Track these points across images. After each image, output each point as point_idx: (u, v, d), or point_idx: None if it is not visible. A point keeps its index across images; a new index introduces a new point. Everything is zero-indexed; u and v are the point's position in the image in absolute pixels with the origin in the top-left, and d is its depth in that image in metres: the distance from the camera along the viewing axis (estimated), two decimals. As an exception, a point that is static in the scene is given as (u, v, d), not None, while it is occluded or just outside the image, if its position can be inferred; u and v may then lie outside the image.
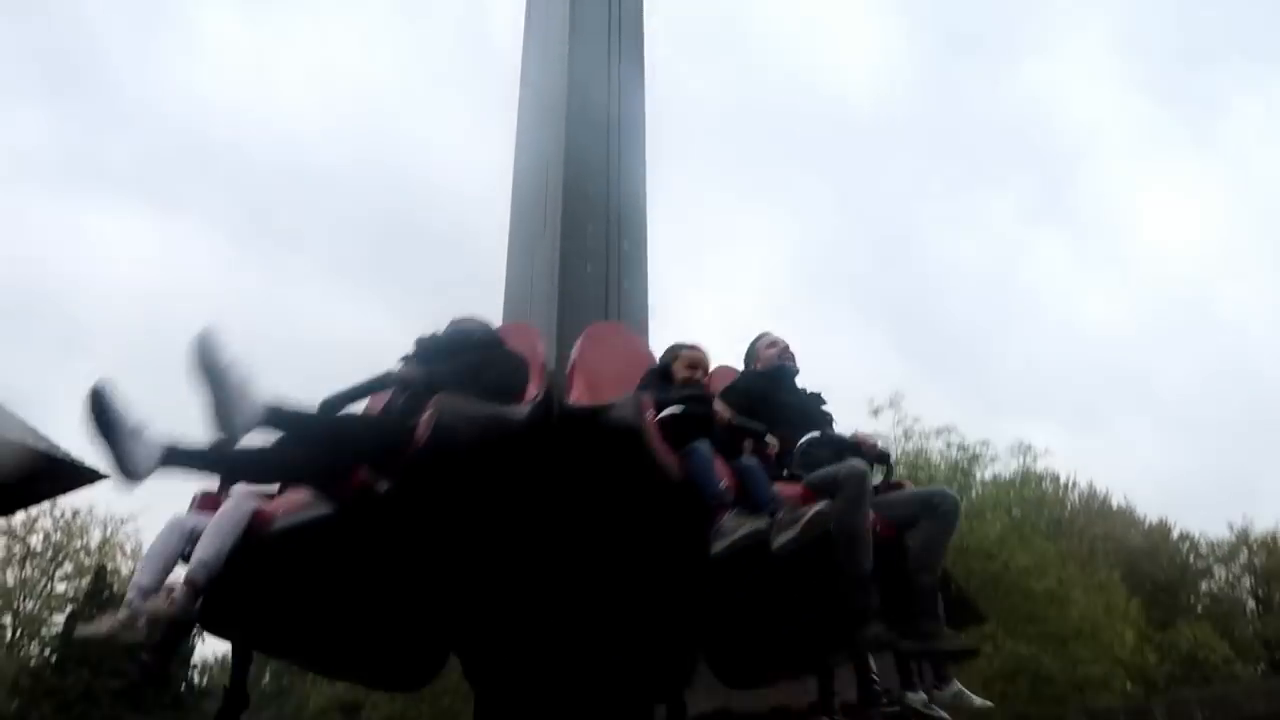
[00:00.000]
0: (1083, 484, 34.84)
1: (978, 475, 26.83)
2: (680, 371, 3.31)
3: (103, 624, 2.68)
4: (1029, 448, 26.39)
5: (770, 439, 3.22)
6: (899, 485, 3.26)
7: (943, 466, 25.32)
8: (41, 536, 30.88)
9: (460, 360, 3.00)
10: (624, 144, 3.46)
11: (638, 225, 3.35)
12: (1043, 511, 29.17)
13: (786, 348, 3.61)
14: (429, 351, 3.14)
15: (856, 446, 3.45)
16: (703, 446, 2.80)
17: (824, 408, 3.69)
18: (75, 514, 31.42)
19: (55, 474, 12.45)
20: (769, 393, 3.38)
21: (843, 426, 3.60)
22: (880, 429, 26.71)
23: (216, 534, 2.68)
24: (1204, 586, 35.27)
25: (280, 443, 2.62)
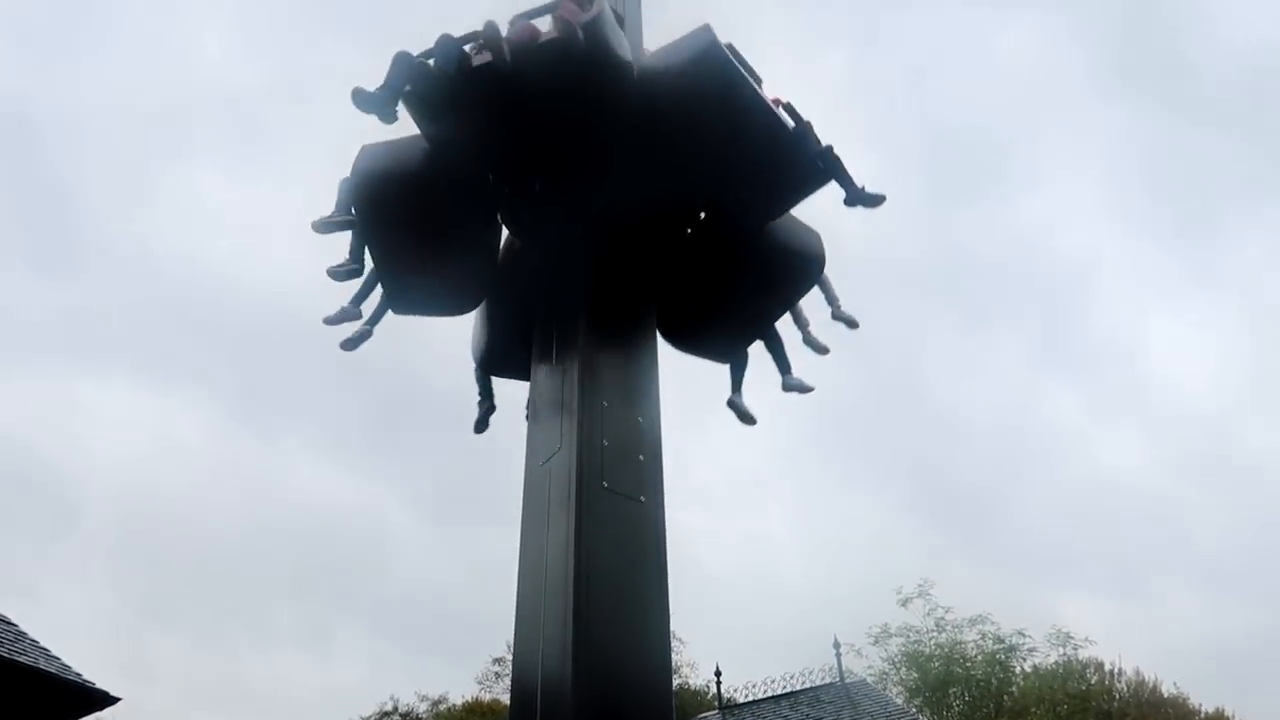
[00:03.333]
0: (1129, 670, 33.20)
1: (1017, 668, 25.73)
2: None
3: None
4: (1069, 637, 25.40)
5: None
6: None
7: (980, 659, 24.33)
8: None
9: None
10: None
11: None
12: (1089, 705, 27.73)
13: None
14: None
15: None
16: None
17: None
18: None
19: (66, 698, 12.21)
20: None
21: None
22: (911, 621, 25.83)
23: None
24: (1274, 783, 32.83)
25: None
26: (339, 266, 3.87)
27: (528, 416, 3.62)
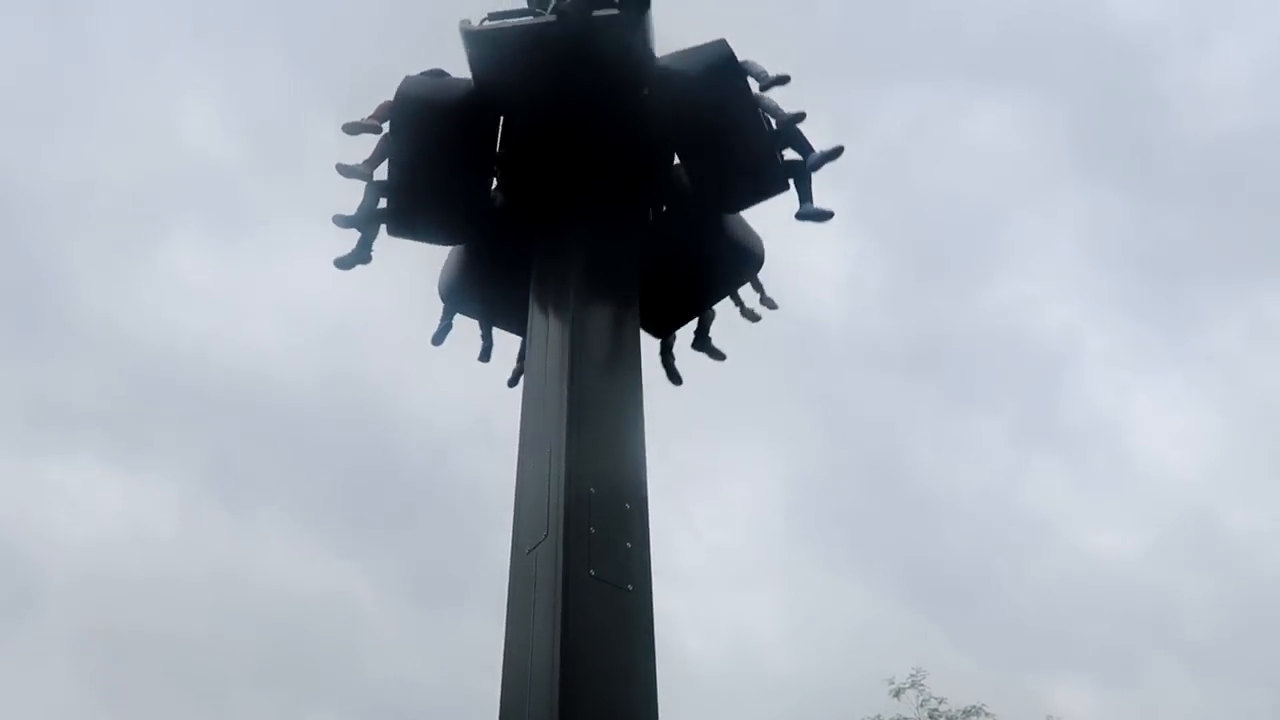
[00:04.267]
0: (1128, 766, 32.44)
1: (1014, 761, 25.13)
2: None
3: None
4: (1064, 728, 24.86)
5: None
6: None
7: (975, 752, 23.75)
8: None
9: None
10: None
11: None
12: (1089, 800, 26.98)
13: None
14: None
15: None
16: None
17: None
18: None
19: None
20: None
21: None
22: (904, 712, 25.31)
23: None
24: None
25: None
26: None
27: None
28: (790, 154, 4.30)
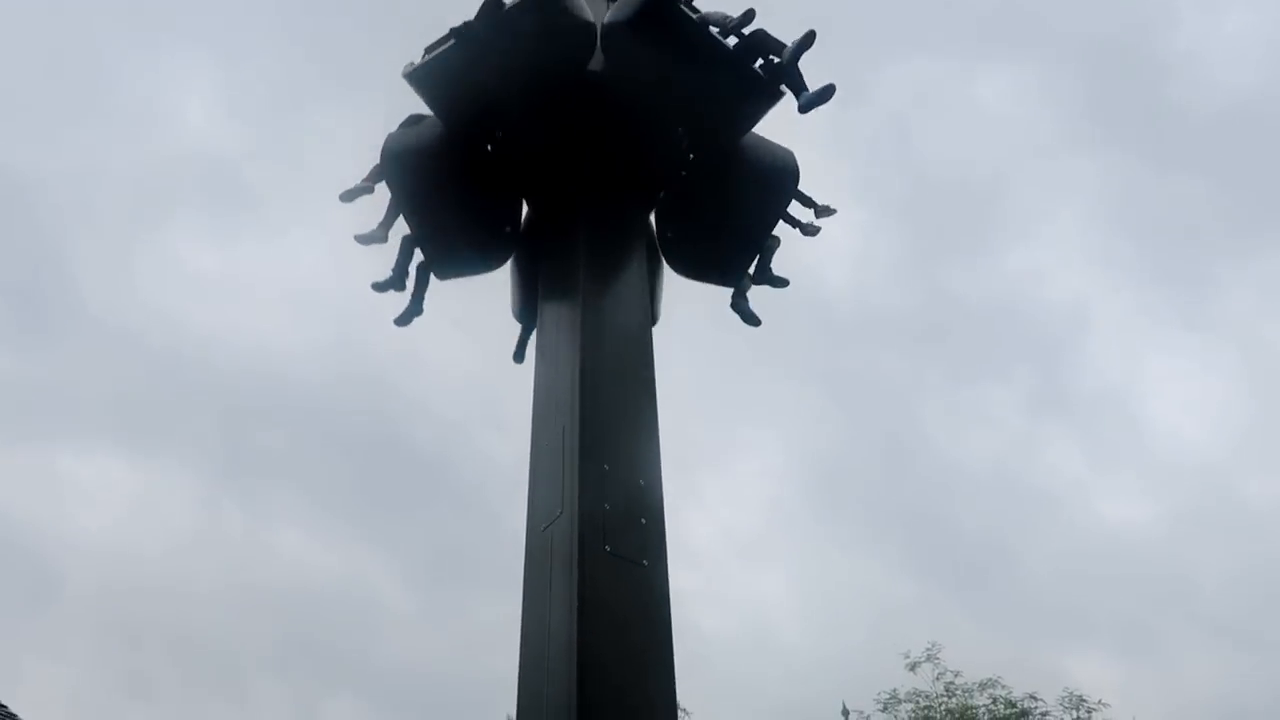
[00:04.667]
0: (1146, 736, 32.45)
1: (1031, 732, 25.17)
2: None
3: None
4: (1082, 700, 24.92)
5: None
6: None
7: (992, 725, 23.80)
8: None
9: None
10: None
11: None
12: (1107, 770, 27.02)
13: None
14: None
15: None
16: None
17: None
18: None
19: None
20: None
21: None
22: (920, 685, 25.41)
23: None
24: None
25: None
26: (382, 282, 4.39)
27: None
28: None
